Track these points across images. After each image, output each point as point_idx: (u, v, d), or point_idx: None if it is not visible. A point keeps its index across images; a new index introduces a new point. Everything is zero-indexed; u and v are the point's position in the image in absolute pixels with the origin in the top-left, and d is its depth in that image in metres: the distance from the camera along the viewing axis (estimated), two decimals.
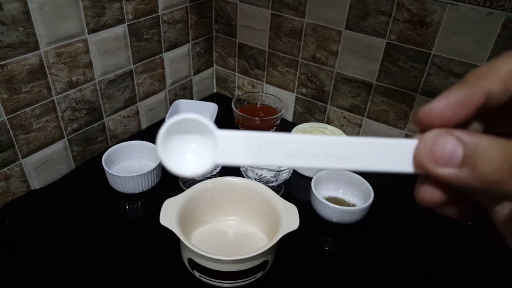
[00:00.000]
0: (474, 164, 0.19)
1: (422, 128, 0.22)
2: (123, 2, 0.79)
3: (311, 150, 0.23)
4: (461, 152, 0.19)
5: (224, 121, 0.92)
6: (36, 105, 0.72)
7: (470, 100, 0.20)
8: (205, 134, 0.23)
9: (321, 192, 0.76)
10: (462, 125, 0.21)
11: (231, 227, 0.71)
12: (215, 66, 1.12)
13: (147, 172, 0.75)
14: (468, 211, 0.23)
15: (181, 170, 0.23)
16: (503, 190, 0.19)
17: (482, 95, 0.20)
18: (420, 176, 0.23)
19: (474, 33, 0.71)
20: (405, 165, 0.23)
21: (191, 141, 0.24)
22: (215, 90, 1.16)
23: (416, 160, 0.21)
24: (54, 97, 0.74)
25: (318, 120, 0.99)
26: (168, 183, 0.80)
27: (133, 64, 0.87)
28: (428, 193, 0.22)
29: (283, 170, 0.74)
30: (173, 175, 0.24)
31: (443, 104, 0.21)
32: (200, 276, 0.61)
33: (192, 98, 1.08)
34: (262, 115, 0.93)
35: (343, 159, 0.23)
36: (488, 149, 0.19)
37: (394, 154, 0.23)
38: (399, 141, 0.23)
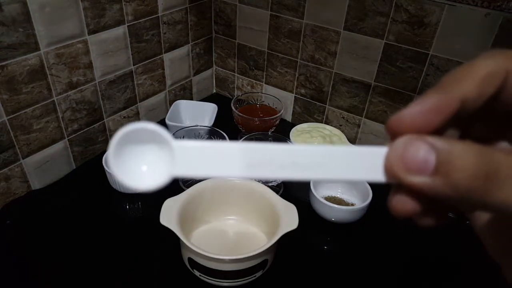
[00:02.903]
0: (447, 172, 0.18)
1: (394, 136, 0.20)
2: (123, 3, 0.79)
3: (278, 160, 0.21)
4: (433, 159, 0.18)
5: (224, 121, 0.93)
6: (37, 105, 0.72)
7: (443, 106, 0.19)
8: (161, 145, 0.22)
9: (320, 192, 0.76)
10: (437, 132, 0.20)
11: (231, 226, 0.71)
12: (214, 66, 1.12)
13: None
14: (446, 219, 0.22)
15: (135, 184, 0.22)
16: (478, 200, 0.17)
17: (457, 101, 0.19)
18: (393, 185, 0.21)
19: (472, 34, 0.72)
20: (377, 174, 0.21)
21: (147, 153, 0.22)
22: (214, 91, 1.16)
23: (387, 168, 0.20)
24: (55, 98, 0.74)
25: (317, 120, 0.99)
26: (168, 183, 0.80)
27: (133, 65, 0.87)
28: (402, 204, 0.20)
29: None
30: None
31: (415, 111, 0.20)
32: (200, 275, 0.61)
33: (192, 99, 1.08)
34: (261, 115, 0.94)
35: (312, 169, 0.22)
36: (462, 156, 0.18)
37: (365, 162, 0.21)
38: (370, 149, 0.21)
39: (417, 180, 0.19)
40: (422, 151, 0.18)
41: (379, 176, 0.21)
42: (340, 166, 0.22)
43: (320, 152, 0.22)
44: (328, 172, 0.22)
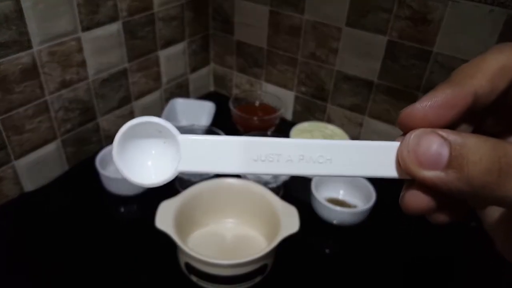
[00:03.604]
0: (461, 166, 0.18)
1: (406, 130, 0.20)
2: None
3: (286, 155, 0.21)
4: (447, 153, 0.18)
5: (222, 120, 0.91)
6: (29, 105, 0.70)
7: (456, 101, 0.19)
8: (167, 139, 0.21)
9: (321, 193, 0.74)
10: (449, 127, 0.20)
11: (229, 229, 0.69)
12: (212, 64, 1.10)
13: None
14: (460, 217, 0.21)
15: (140, 180, 0.22)
16: (492, 194, 0.17)
17: (470, 96, 0.19)
18: (405, 181, 0.21)
19: (476, 31, 0.70)
20: (388, 170, 0.21)
21: (152, 147, 0.22)
22: (212, 89, 1.14)
23: (399, 163, 0.20)
24: (47, 97, 0.72)
25: (318, 119, 0.97)
26: (164, 185, 0.79)
27: (128, 62, 0.85)
28: (414, 200, 0.20)
29: None
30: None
31: (427, 106, 0.19)
32: (197, 280, 0.59)
33: (188, 97, 1.06)
34: (260, 114, 0.92)
35: (321, 164, 0.21)
36: (476, 149, 0.17)
37: (376, 157, 0.21)
38: (381, 143, 0.21)
39: (430, 174, 0.18)
40: (435, 145, 0.18)
41: (391, 172, 0.21)
42: (350, 161, 0.21)
43: (330, 146, 0.21)
44: (337, 167, 0.21)
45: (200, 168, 0.21)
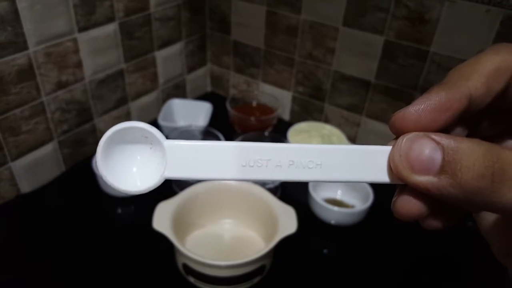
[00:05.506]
0: (454, 171, 0.17)
1: (398, 134, 0.20)
2: (114, 0, 0.77)
3: (275, 160, 0.20)
4: (440, 158, 0.17)
5: (219, 121, 0.91)
6: (25, 106, 0.70)
7: (451, 104, 0.19)
8: (153, 144, 0.21)
9: (319, 194, 0.74)
10: (443, 130, 0.19)
11: (227, 230, 0.69)
12: (209, 64, 1.10)
13: None
14: (453, 222, 0.21)
15: (124, 186, 0.21)
16: (485, 200, 0.17)
17: (464, 99, 0.19)
18: (397, 186, 0.20)
19: (473, 31, 0.70)
20: (380, 175, 0.20)
21: (137, 153, 0.21)
22: (209, 89, 1.14)
23: (391, 168, 0.19)
24: (44, 98, 0.72)
25: (316, 120, 0.97)
26: (162, 185, 0.78)
27: (124, 63, 0.85)
28: (407, 205, 0.20)
29: None
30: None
31: (420, 109, 0.19)
32: (195, 281, 0.59)
33: (185, 98, 1.06)
34: (258, 114, 0.92)
35: (311, 170, 0.21)
36: (470, 154, 0.17)
37: (368, 162, 0.20)
38: (373, 147, 0.20)
39: (422, 179, 0.18)
40: (427, 149, 0.18)
41: (382, 177, 0.20)
42: (341, 166, 0.21)
43: (320, 151, 0.21)
44: (328, 172, 0.21)
45: (187, 175, 0.21)
